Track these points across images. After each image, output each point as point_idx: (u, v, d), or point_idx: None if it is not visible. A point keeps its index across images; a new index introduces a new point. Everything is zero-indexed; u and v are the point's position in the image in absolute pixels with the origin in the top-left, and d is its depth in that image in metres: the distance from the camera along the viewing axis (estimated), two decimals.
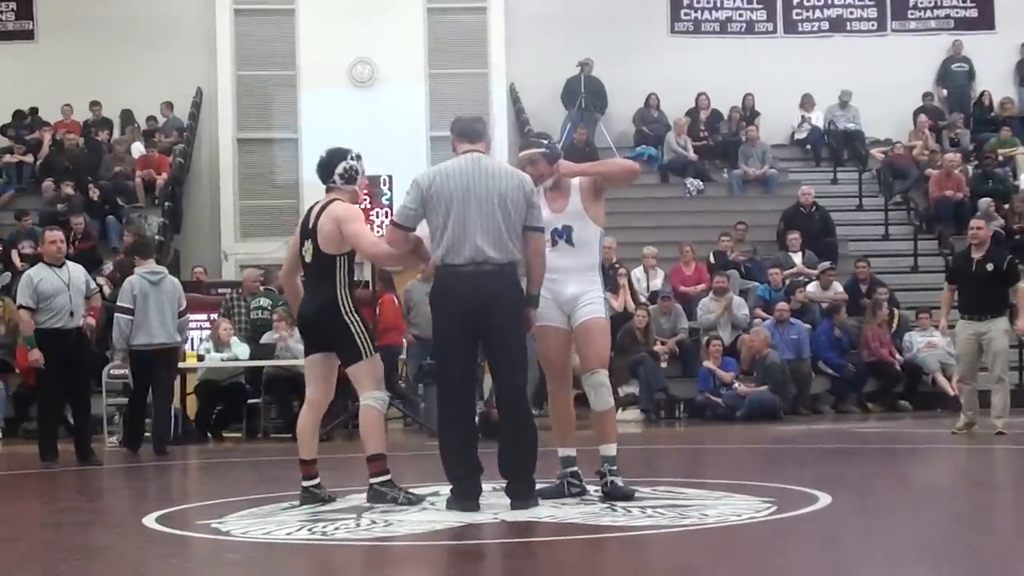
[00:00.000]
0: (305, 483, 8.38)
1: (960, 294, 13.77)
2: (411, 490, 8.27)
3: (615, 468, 8.18)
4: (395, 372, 16.49)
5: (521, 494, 7.87)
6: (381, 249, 8.42)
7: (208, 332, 16.82)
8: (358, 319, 8.29)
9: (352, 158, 8.47)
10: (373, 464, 8.18)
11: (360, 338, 8.27)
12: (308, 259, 8.31)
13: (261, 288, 17.53)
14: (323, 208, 8.31)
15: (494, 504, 7.95)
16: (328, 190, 8.44)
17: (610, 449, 8.21)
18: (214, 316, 17.13)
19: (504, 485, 7.98)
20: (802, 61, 25.01)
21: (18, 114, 24.11)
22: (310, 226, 8.29)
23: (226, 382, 16.19)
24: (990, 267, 13.46)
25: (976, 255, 13.61)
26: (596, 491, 8.25)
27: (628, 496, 8.04)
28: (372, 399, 8.27)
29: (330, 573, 6.36)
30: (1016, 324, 13.60)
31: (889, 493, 9.22)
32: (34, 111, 24.15)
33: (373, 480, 8.17)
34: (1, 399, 16.79)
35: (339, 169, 8.42)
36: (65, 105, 24.00)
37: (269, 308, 17.09)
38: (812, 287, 19.43)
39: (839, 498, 8.06)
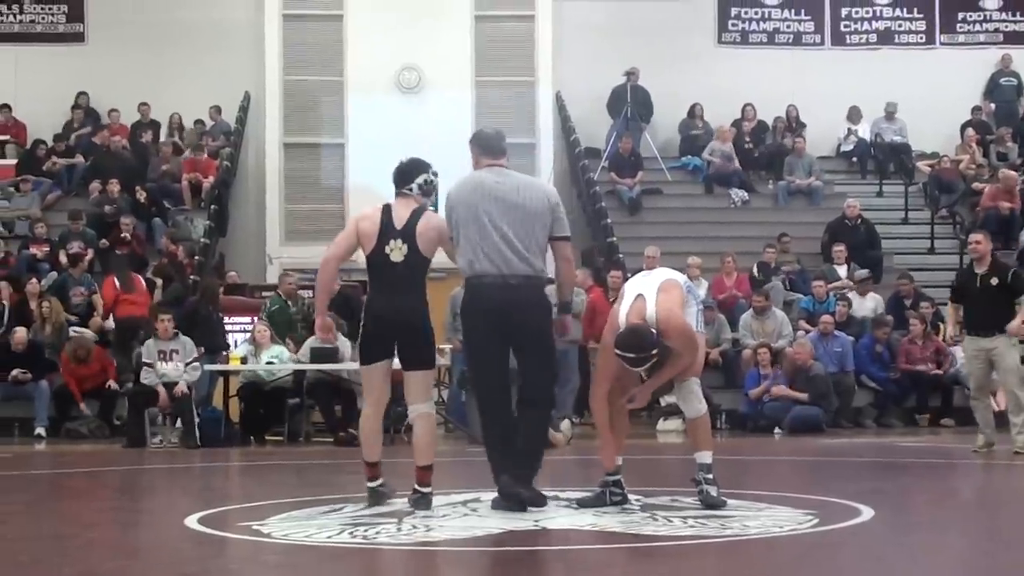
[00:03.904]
0: (370, 484, 8.43)
1: (966, 311, 13.54)
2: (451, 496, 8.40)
3: (710, 476, 8.21)
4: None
5: (516, 483, 8.00)
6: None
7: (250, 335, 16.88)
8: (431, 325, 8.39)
9: (433, 173, 8.49)
10: (426, 473, 8.22)
11: (434, 345, 8.40)
12: (398, 259, 8.22)
13: (299, 291, 17.57)
14: (417, 213, 8.29)
15: (536, 512, 7.97)
16: (399, 195, 8.42)
17: (705, 457, 8.26)
18: (256, 319, 17.20)
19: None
20: (849, 73, 24.91)
21: (68, 125, 24.28)
22: (399, 227, 8.25)
23: (269, 386, 16.23)
24: (995, 281, 13.21)
25: (979, 270, 13.35)
26: (662, 500, 8.25)
27: (718, 506, 8.04)
28: (430, 408, 8.37)
29: None
30: (1010, 325, 13.19)
31: (931, 508, 9.17)
32: (80, 106, 24.29)
33: (423, 488, 8.21)
34: (46, 399, 16.89)
35: (420, 180, 8.41)
36: (113, 110, 24.16)
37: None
38: (853, 297, 19.33)
39: (881, 512, 8.01)
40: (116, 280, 18.48)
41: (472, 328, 8.26)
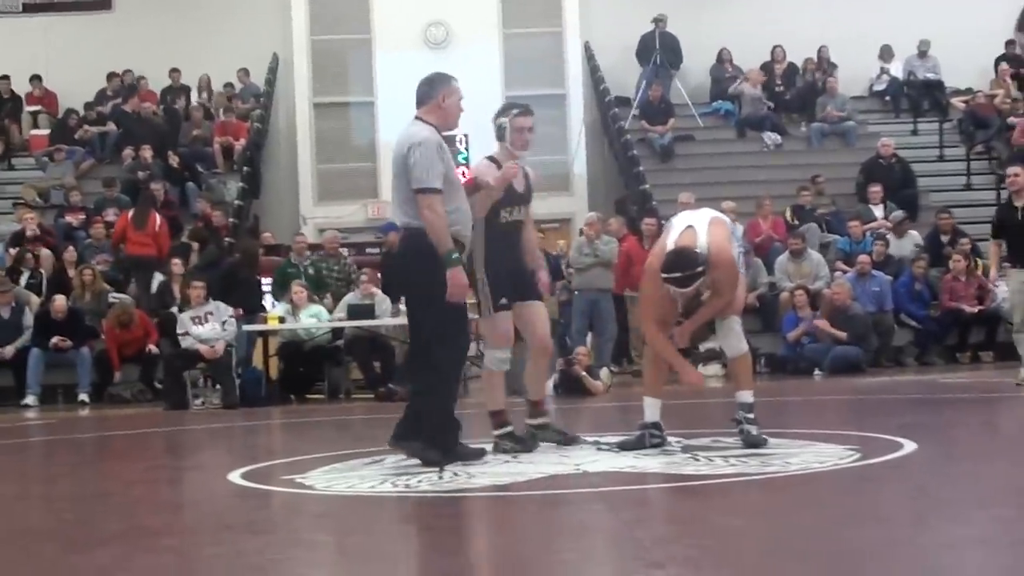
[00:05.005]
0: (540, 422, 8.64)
1: (1008, 245, 13.36)
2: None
3: (751, 416, 8.20)
4: None
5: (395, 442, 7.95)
6: None
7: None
8: None
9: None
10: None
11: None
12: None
13: (342, 250, 17.66)
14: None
15: (575, 455, 7.98)
16: None
17: (745, 396, 8.25)
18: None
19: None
20: (880, 11, 24.70)
21: (101, 93, 24.35)
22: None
23: (308, 345, 16.28)
24: None
25: (1019, 203, 13.18)
26: (706, 441, 8.26)
27: (759, 444, 8.02)
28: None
29: (410, 523, 6.38)
30: None
31: (975, 439, 9.13)
32: (117, 74, 24.37)
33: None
34: (88, 365, 17.00)
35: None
36: (141, 78, 24.19)
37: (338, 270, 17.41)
38: (890, 237, 19.22)
39: (924, 445, 7.97)
40: (130, 216, 18.72)
41: None
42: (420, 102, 8.00)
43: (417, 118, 7.95)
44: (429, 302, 7.70)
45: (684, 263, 7.84)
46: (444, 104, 7.95)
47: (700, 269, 7.82)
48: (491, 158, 8.48)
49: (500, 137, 8.54)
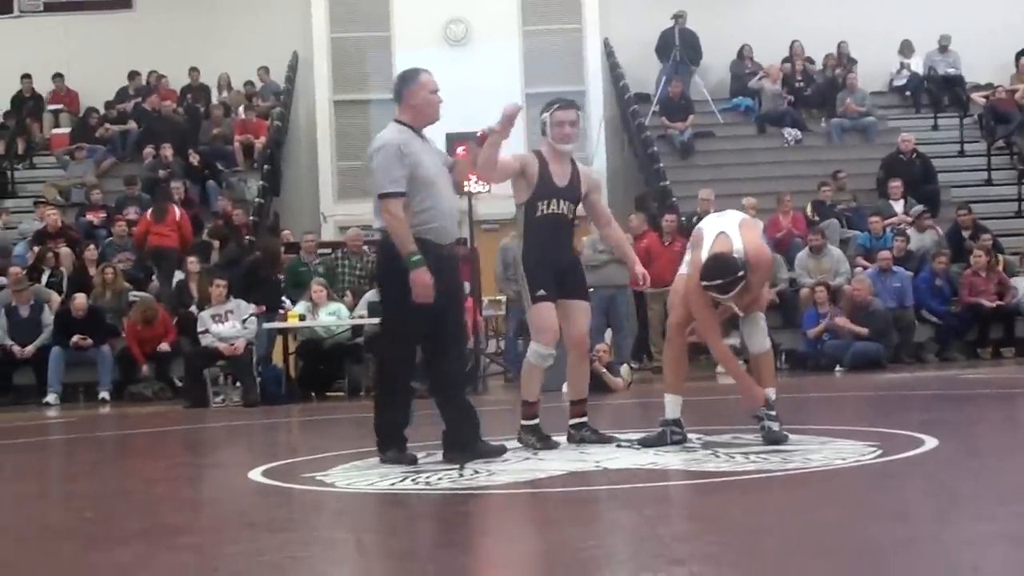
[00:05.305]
0: (575, 420, 8.63)
1: None
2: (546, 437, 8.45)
3: (772, 412, 8.17)
4: None
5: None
6: None
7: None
8: None
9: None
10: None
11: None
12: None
13: (364, 247, 17.68)
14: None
15: (596, 453, 7.97)
16: None
17: (768, 393, 8.22)
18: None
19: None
20: (899, 7, 24.63)
21: (122, 92, 24.41)
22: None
23: (328, 343, 16.29)
24: None
25: None
26: (726, 437, 8.24)
27: (780, 441, 7.99)
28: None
29: (430, 520, 6.38)
30: None
31: (997, 435, 9.10)
32: (134, 75, 24.43)
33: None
34: (108, 363, 17.06)
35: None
36: (162, 76, 24.27)
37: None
38: (911, 233, 19.17)
39: (945, 441, 7.94)
40: (149, 213, 18.83)
41: None
42: (396, 102, 8.06)
43: (394, 120, 8.02)
44: (399, 304, 7.77)
45: (724, 270, 7.85)
46: (414, 102, 7.96)
47: (740, 274, 7.84)
48: (537, 152, 8.52)
49: (543, 131, 8.57)
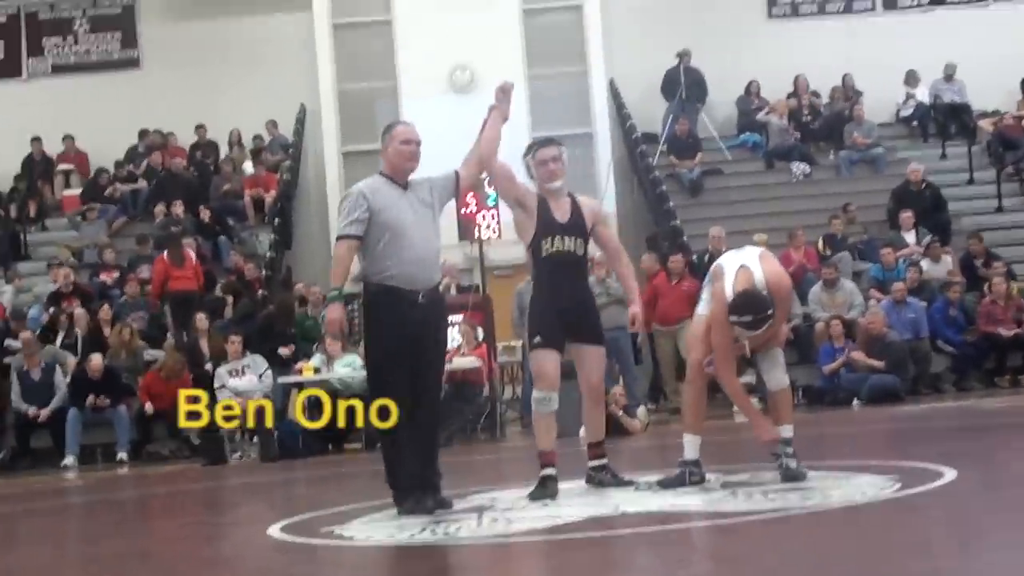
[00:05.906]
0: (593, 462, 8.65)
1: None
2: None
3: (790, 450, 8.13)
4: None
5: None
6: None
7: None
8: None
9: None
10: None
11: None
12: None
13: None
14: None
15: (615, 496, 7.95)
16: None
17: (786, 431, 8.19)
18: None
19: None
20: (904, 37, 24.69)
21: (132, 151, 24.51)
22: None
23: (344, 394, 16.25)
24: None
25: None
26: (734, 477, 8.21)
27: (799, 478, 7.95)
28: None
29: (450, 571, 6.36)
30: None
31: (1016, 465, 9.04)
32: (144, 133, 24.53)
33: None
34: (126, 423, 17.05)
35: None
36: (170, 134, 24.37)
37: None
38: (925, 264, 19.13)
39: (965, 473, 7.90)
40: (166, 256, 18.86)
41: None
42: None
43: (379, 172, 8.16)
44: (376, 352, 8.00)
45: (756, 306, 7.87)
46: (388, 153, 8.09)
47: (770, 312, 7.84)
48: (538, 194, 8.57)
49: (530, 175, 8.59)
